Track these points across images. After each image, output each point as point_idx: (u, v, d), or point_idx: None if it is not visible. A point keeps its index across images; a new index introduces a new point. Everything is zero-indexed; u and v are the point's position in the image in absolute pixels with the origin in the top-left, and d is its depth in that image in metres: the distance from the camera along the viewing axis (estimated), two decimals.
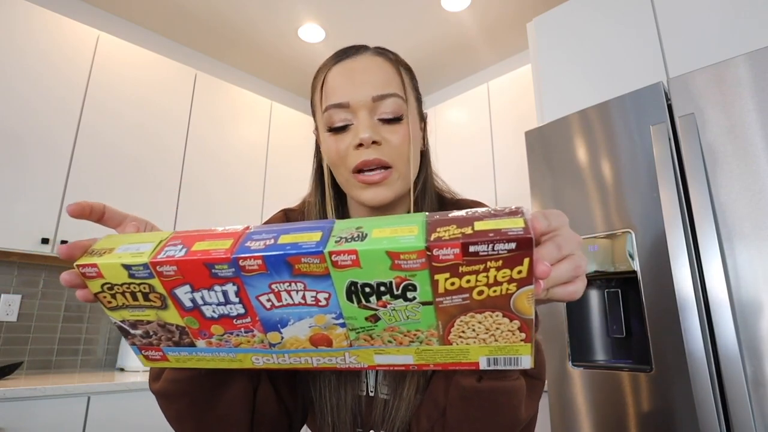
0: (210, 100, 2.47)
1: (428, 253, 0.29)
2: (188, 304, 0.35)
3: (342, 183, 0.60)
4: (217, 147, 2.46)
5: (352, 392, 0.57)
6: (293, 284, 0.32)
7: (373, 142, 0.55)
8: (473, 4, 2.42)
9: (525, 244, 0.28)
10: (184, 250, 0.33)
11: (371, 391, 0.57)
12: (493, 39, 2.72)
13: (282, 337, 0.36)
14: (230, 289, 0.33)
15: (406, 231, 0.30)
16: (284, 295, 0.33)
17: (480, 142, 2.48)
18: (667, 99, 1.28)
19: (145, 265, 0.33)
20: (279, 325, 0.35)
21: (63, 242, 1.84)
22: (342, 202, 0.66)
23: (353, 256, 0.30)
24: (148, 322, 0.37)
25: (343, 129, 0.57)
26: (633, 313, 1.29)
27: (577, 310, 1.37)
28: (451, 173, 2.50)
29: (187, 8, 2.48)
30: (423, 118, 0.65)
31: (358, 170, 0.56)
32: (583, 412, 1.26)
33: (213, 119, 2.47)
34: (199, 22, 2.59)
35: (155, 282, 0.34)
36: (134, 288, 0.34)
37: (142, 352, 0.40)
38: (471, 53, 2.86)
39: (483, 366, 0.37)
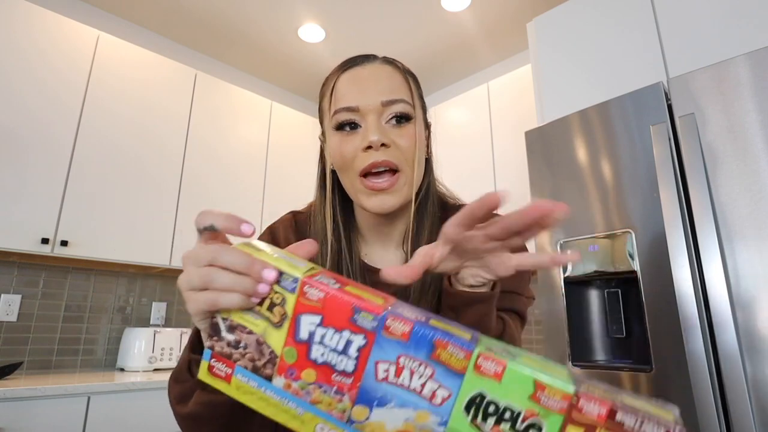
0: (210, 100, 2.48)
1: (574, 400, 0.27)
2: (304, 335, 0.32)
3: (348, 187, 0.60)
4: (217, 147, 2.46)
5: None
6: (423, 366, 0.30)
7: (382, 145, 0.55)
8: (473, 4, 2.42)
9: None
10: (337, 285, 0.33)
11: None
12: (493, 39, 2.72)
13: (368, 417, 0.32)
14: (357, 340, 0.31)
15: (554, 370, 0.29)
16: (406, 373, 0.30)
17: (480, 142, 2.48)
18: (667, 99, 1.28)
19: (296, 279, 0.32)
20: (375, 402, 0.31)
21: (63, 242, 1.85)
22: (346, 208, 0.66)
23: (499, 368, 0.28)
24: (249, 333, 0.34)
25: (351, 130, 0.58)
26: (633, 313, 1.29)
27: (577, 310, 1.37)
28: (451, 173, 2.50)
29: (187, 8, 2.48)
30: (428, 126, 0.66)
31: (365, 174, 0.56)
32: None
33: (213, 119, 2.47)
34: (199, 22, 2.59)
35: (291, 298, 0.32)
36: (268, 293, 0.33)
37: (213, 360, 0.36)
38: (471, 53, 2.86)
39: None
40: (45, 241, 1.81)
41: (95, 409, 1.59)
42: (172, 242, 2.19)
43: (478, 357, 0.29)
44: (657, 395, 1.14)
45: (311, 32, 2.66)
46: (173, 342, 2.17)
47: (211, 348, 0.35)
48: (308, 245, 0.38)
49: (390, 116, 0.57)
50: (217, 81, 2.54)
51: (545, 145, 1.51)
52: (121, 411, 1.64)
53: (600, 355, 1.34)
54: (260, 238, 0.67)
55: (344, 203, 0.66)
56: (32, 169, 1.84)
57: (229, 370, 0.35)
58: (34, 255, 1.88)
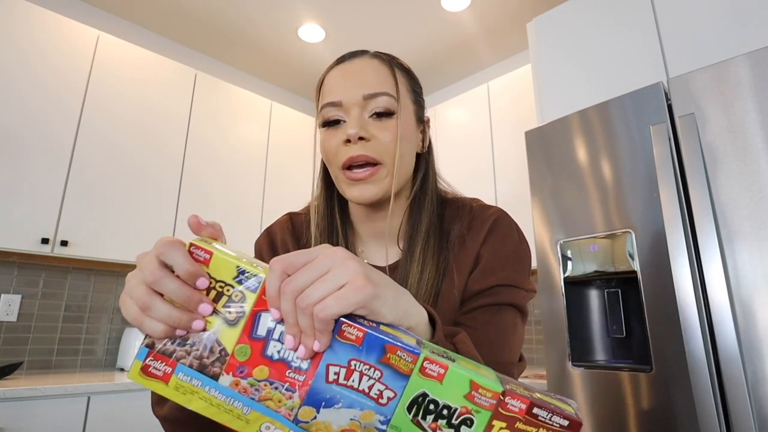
0: (210, 100, 2.47)
1: (501, 397, 0.31)
2: (261, 332, 0.33)
3: (334, 180, 0.61)
4: (217, 147, 2.46)
5: None
6: (372, 369, 0.32)
7: (360, 138, 0.56)
8: (473, 4, 2.42)
9: (575, 427, 0.31)
10: None
11: None
12: (493, 39, 2.72)
13: (315, 417, 0.33)
14: None
15: (485, 371, 0.33)
16: (356, 375, 0.32)
17: (480, 142, 2.48)
18: (667, 99, 1.28)
19: (259, 279, 0.33)
20: (323, 403, 0.32)
21: (63, 242, 1.85)
22: (343, 204, 0.67)
23: (442, 370, 0.31)
24: (202, 330, 0.33)
25: (335, 125, 0.59)
26: (633, 313, 1.29)
27: (576, 310, 1.37)
28: (451, 173, 2.49)
29: (187, 8, 2.48)
30: (422, 120, 0.66)
31: (347, 167, 0.57)
32: (583, 412, 1.26)
33: (213, 119, 2.47)
34: (199, 22, 2.59)
35: (252, 297, 0.33)
36: (226, 290, 0.33)
37: (148, 359, 0.33)
38: (471, 53, 2.86)
39: None
40: (45, 241, 1.81)
41: (95, 409, 1.59)
42: None
43: (423, 360, 0.31)
44: (657, 395, 1.14)
45: (311, 32, 2.66)
46: None
47: (151, 346, 0.33)
48: (210, 228, 0.36)
49: (373, 110, 0.58)
50: (217, 81, 2.54)
51: (545, 145, 1.51)
52: (121, 411, 1.64)
53: (600, 355, 1.34)
54: (258, 241, 0.68)
55: (341, 199, 0.66)
56: (32, 169, 1.84)
57: (169, 369, 0.33)
58: (34, 255, 1.88)
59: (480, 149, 2.47)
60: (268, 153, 2.68)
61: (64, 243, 1.86)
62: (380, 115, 0.58)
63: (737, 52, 1.28)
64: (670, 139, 1.20)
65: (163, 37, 2.72)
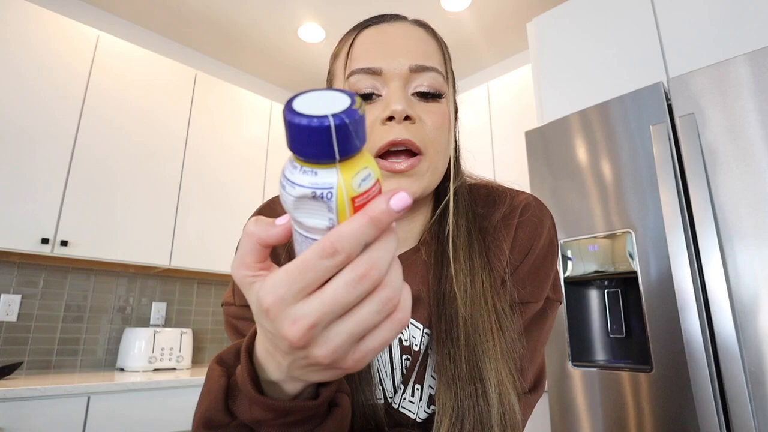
0: (210, 100, 2.47)
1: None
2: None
3: None
4: (217, 147, 2.46)
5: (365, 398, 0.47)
6: None
7: (407, 118, 0.45)
8: (473, 4, 2.42)
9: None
10: None
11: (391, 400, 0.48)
12: (493, 39, 2.72)
13: None
14: None
15: None
16: None
17: (480, 142, 2.48)
18: (667, 99, 1.28)
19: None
20: None
21: (63, 242, 1.85)
22: None
23: None
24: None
25: (368, 99, 0.47)
26: (633, 313, 1.29)
27: (576, 310, 1.37)
28: None
29: (187, 8, 2.48)
30: (456, 110, 0.56)
31: (382, 154, 0.46)
32: (583, 412, 1.26)
33: (213, 119, 2.47)
34: (199, 22, 2.59)
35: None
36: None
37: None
38: (471, 53, 2.86)
39: None
40: (45, 241, 1.81)
41: (95, 409, 1.59)
42: (172, 242, 2.19)
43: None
44: (657, 395, 1.14)
45: (311, 32, 2.66)
46: (173, 342, 2.17)
47: None
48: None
49: (417, 87, 0.47)
50: (217, 81, 2.54)
51: (545, 145, 1.51)
52: (121, 411, 1.64)
53: (600, 355, 1.34)
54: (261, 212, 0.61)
55: None
56: (32, 169, 1.84)
57: None
58: (34, 255, 1.88)
59: (480, 149, 2.46)
60: (268, 153, 2.68)
61: (64, 243, 1.86)
62: (425, 95, 0.47)
63: (737, 52, 1.28)
64: (670, 139, 1.20)
65: (163, 37, 2.72)
